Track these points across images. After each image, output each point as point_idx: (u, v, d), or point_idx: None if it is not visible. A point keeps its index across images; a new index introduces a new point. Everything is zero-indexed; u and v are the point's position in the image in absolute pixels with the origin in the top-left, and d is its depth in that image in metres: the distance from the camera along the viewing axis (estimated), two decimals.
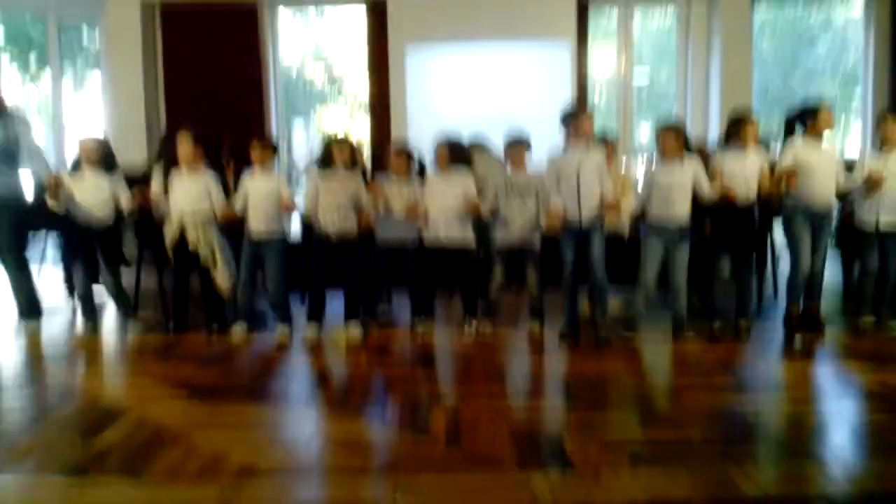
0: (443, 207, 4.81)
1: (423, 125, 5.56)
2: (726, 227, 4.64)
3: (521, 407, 3.57)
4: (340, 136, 5.01)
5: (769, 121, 8.75)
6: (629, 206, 5.01)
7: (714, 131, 7.45)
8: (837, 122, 9.14)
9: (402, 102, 7.67)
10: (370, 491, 2.63)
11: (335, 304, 4.94)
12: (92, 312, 5.03)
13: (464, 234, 4.85)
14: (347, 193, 4.78)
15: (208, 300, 4.96)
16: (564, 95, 7.29)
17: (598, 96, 9.05)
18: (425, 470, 2.78)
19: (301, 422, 3.40)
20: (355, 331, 4.82)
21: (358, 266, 4.88)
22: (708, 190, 4.50)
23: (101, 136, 5.00)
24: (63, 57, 8.40)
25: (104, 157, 4.87)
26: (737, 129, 4.61)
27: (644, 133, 8.87)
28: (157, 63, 7.95)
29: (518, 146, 4.76)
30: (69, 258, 5.07)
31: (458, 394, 3.75)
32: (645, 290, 4.60)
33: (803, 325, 4.75)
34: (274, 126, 8.17)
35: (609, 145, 5.17)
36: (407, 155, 5.04)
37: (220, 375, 4.08)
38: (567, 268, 4.63)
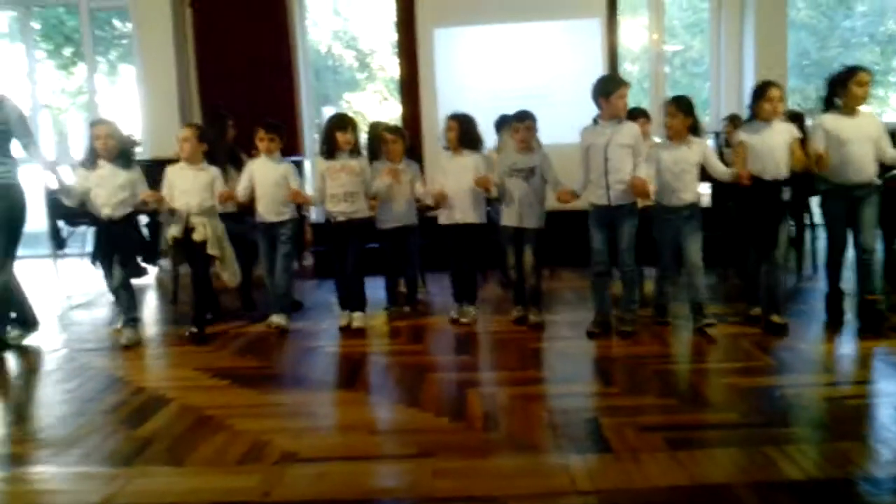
0: (456, 189, 4.70)
1: (454, 106, 5.55)
2: (752, 208, 4.32)
3: (557, 392, 3.57)
4: (391, 125, 5.01)
5: (805, 92, 8.56)
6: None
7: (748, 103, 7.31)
8: (876, 91, 8.91)
9: (432, 84, 7.63)
10: (408, 477, 2.65)
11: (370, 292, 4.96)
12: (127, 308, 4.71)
13: (477, 214, 4.75)
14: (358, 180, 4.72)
15: (202, 295, 4.78)
16: (595, 71, 7.19)
17: (630, 70, 8.90)
18: (463, 456, 2.80)
19: (340, 409, 3.44)
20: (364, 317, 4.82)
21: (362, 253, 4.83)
22: (722, 170, 4.27)
23: (113, 122, 4.59)
24: (96, 51, 8.50)
25: (120, 148, 4.52)
26: (757, 105, 4.28)
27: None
28: (188, 51, 8.01)
29: (518, 124, 4.53)
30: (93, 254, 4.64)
31: (494, 380, 3.76)
32: (663, 273, 4.52)
33: (864, 317, 4.33)
34: (304, 111, 8.19)
35: (644, 120, 4.97)
36: (402, 137, 4.96)
37: (260, 364, 4.13)
38: (595, 256, 4.37)
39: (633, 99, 9.15)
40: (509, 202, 4.60)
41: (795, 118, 4.84)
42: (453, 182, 4.71)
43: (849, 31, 9.60)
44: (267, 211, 4.73)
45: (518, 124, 4.52)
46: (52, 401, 3.67)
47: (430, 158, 7.01)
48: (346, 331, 4.71)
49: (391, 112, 8.29)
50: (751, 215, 4.36)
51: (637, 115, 5.32)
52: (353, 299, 4.83)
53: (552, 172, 4.53)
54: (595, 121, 4.33)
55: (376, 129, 5.51)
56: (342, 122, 4.70)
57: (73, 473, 2.78)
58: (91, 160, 4.47)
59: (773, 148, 4.21)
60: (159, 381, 3.87)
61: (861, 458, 2.66)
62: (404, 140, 4.96)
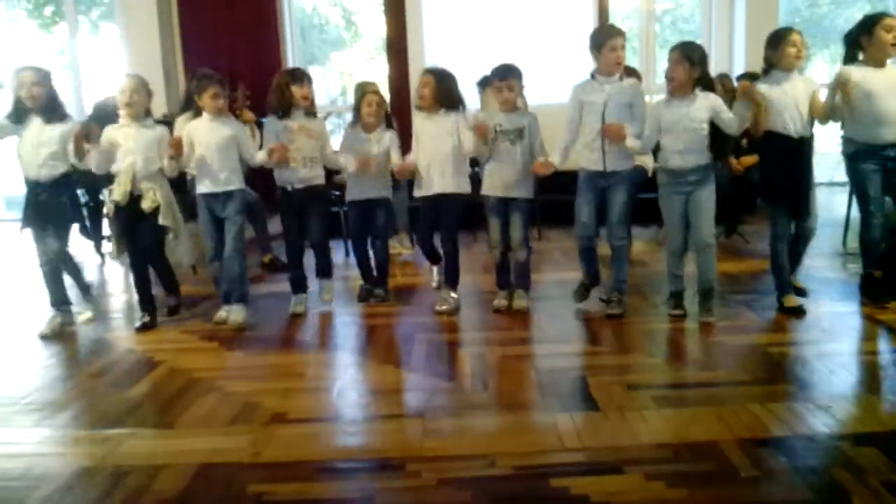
0: (434, 154, 4.13)
1: (442, 66, 5.48)
2: (775, 168, 3.86)
3: (545, 352, 3.59)
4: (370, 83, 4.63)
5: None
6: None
7: (739, 62, 7.27)
8: None
9: (420, 43, 7.54)
10: (398, 437, 2.67)
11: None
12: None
13: (460, 181, 4.18)
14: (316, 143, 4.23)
15: (165, 269, 4.42)
16: (586, 29, 7.12)
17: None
18: (452, 415, 2.82)
19: (330, 370, 3.45)
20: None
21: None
22: (733, 123, 3.70)
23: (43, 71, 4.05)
24: (77, 9, 8.33)
25: (49, 101, 4.00)
26: (778, 51, 3.78)
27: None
28: (171, 9, 7.86)
29: (502, 82, 4.00)
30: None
31: (482, 340, 3.77)
32: (672, 253, 3.94)
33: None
34: None
35: (635, 80, 4.37)
36: (380, 98, 4.40)
37: (248, 326, 4.12)
38: (581, 230, 4.02)
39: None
40: (494, 167, 4.10)
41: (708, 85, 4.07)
42: (429, 147, 4.14)
43: None
44: (208, 180, 4.06)
45: (499, 83, 4.02)
46: (39, 364, 3.66)
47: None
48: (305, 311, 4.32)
49: (379, 72, 8.17)
50: (777, 178, 3.86)
51: (628, 74, 5.20)
52: (322, 268, 4.44)
53: (539, 139, 4.09)
54: (592, 76, 3.92)
55: (364, 89, 5.39)
56: (298, 75, 4.18)
57: (63, 436, 2.79)
58: (18, 114, 3.98)
59: (796, 100, 3.77)
60: (148, 344, 3.87)
61: (843, 414, 2.70)
62: (385, 106, 4.45)
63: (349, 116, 4.61)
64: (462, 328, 4.03)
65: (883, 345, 3.49)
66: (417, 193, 4.27)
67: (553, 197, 4.89)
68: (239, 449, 2.58)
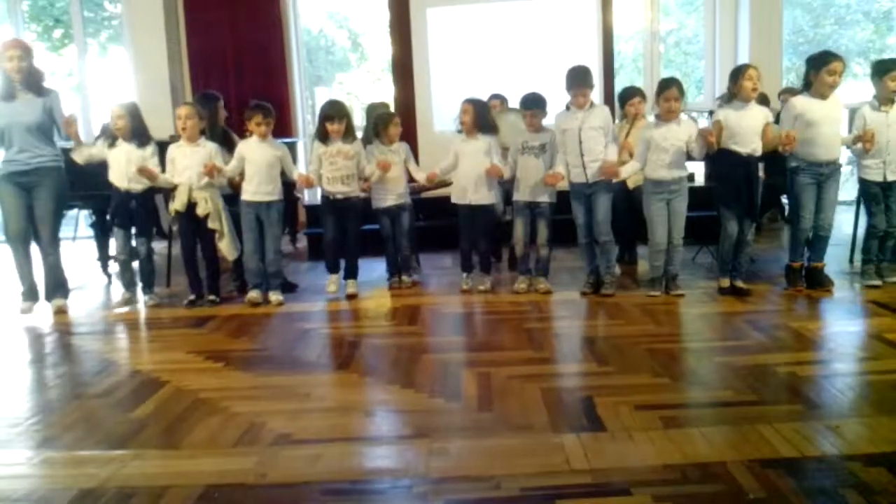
0: (470, 171, 4.96)
1: (447, 86, 5.53)
2: (731, 181, 4.56)
3: (551, 372, 3.57)
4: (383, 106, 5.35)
5: (800, 70, 8.53)
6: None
7: None
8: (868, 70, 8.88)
9: (426, 64, 7.60)
10: (404, 458, 2.65)
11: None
12: (131, 282, 5.21)
13: (489, 195, 5.03)
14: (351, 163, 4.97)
15: (213, 270, 5.08)
16: (590, 50, 7.16)
17: (624, 49, 8.86)
18: (458, 436, 2.80)
19: (335, 391, 3.44)
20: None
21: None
22: (695, 149, 4.49)
23: (129, 103, 5.05)
24: (86, 32, 8.42)
25: (135, 126, 4.89)
26: (737, 83, 4.51)
27: None
28: (179, 31, 7.94)
29: (534, 109, 4.79)
30: (109, 225, 5.12)
31: (488, 360, 3.76)
32: (655, 250, 4.69)
33: (809, 283, 4.75)
34: (297, 92, 8.15)
35: (639, 99, 5.41)
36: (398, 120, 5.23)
37: (254, 346, 4.12)
38: (581, 229, 4.82)
39: (628, 78, 9.15)
40: (522, 177, 4.85)
41: (763, 100, 5.07)
42: (467, 164, 4.96)
43: (843, 8, 9.56)
44: (257, 191, 4.83)
45: (526, 112, 4.81)
46: (43, 385, 3.66)
47: (423, 138, 6.99)
48: (338, 311, 4.76)
49: (384, 93, 8.23)
50: (730, 188, 4.58)
51: (633, 93, 5.40)
52: (349, 269, 5.14)
53: (558, 152, 4.79)
54: (567, 107, 4.74)
55: (374, 111, 5.53)
56: (330, 114, 4.91)
57: (67, 457, 2.77)
58: (110, 138, 4.91)
59: (750, 127, 4.50)
60: (153, 364, 3.87)
61: (851, 434, 2.68)
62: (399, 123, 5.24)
63: (358, 135, 5.25)
64: (468, 348, 4.02)
65: (891, 364, 3.46)
66: (454, 200, 5.10)
67: (563, 217, 4.97)
68: (244, 470, 2.57)
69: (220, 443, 2.82)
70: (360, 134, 5.36)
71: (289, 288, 5.30)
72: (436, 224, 6.15)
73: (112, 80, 8.73)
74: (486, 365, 3.64)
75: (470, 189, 4.98)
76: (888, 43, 8.91)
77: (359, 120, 6.57)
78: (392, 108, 5.36)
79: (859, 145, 4.60)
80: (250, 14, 7.76)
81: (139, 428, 3.00)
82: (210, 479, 2.51)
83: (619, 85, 7.18)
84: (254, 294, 4.96)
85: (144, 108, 5.01)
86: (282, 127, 7.02)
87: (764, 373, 3.35)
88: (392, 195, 5.15)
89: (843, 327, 4.09)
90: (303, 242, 7.06)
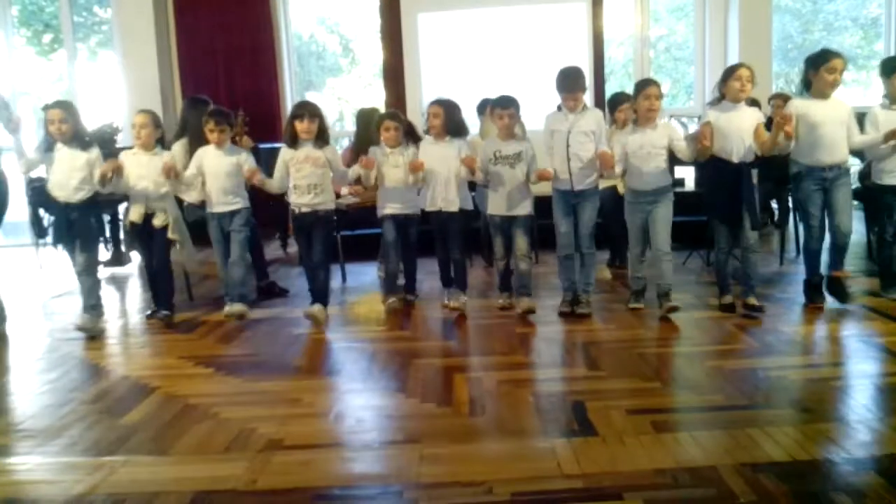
0: (437, 176, 4.60)
1: (438, 92, 5.54)
2: (720, 191, 4.34)
3: (542, 377, 3.57)
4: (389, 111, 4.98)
5: (789, 76, 8.59)
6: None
7: None
8: (858, 75, 8.96)
9: (417, 69, 7.61)
10: (395, 463, 2.64)
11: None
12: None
13: (459, 200, 4.63)
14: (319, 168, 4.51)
15: (167, 277, 4.73)
16: (581, 55, 7.18)
17: (615, 55, 8.90)
18: (449, 441, 2.80)
19: (326, 396, 3.43)
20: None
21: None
22: (683, 149, 4.29)
23: (67, 101, 4.56)
24: (76, 37, 8.40)
25: (77, 129, 4.40)
26: (726, 84, 4.28)
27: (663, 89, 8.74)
28: (169, 36, 7.93)
29: (501, 111, 4.45)
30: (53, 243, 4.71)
31: (479, 365, 3.76)
32: (634, 258, 4.52)
33: (830, 293, 4.51)
34: (288, 97, 8.14)
35: (629, 105, 5.00)
36: (397, 123, 4.73)
37: (244, 352, 4.11)
38: (562, 239, 4.50)
39: (618, 84, 9.18)
40: (496, 190, 4.53)
41: (752, 104, 4.75)
42: (436, 169, 4.60)
43: (832, 14, 9.63)
44: (218, 201, 4.65)
45: (501, 111, 4.45)
46: (33, 391, 3.63)
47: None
48: (329, 316, 4.66)
49: (375, 98, 8.24)
50: (719, 198, 4.37)
51: (623, 99, 5.35)
52: (317, 292, 4.59)
53: (535, 163, 4.49)
54: (559, 108, 4.44)
55: (366, 117, 5.50)
56: (299, 112, 4.46)
57: (56, 463, 2.75)
58: (48, 144, 4.38)
59: (740, 129, 4.23)
60: (143, 370, 3.84)
61: (842, 438, 2.68)
62: (401, 125, 4.74)
63: (345, 142, 4.84)
64: (459, 353, 4.02)
65: (884, 368, 3.48)
66: (426, 207, 4.71)
67: (550, 221, 4.91)
68: (235, 476, 2.56)
69: (210, 449, 2.81)
70: (349, 140, 5.12)
71: (280, 293, 5.30)
72: (428, 228, 6.12)
73: (102, 84, 8.70)
74: (476, 370, 3.64)
75: (439, 196, 4.61)
76: (876, 49, 8.98)
77: (349, 125, 6.56)
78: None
79: (887, 144, 4.31)
80: (241, 19, 7.76)
81: (129, 434, 2.98)
82: (200, 485, 2.50)
83: (609, 90, 7.22)
84: (226, 308, 4.63)
85: (134, 113, 4.74)
86: (272, 133, 7.02)
87: (755, 377, 3.36)
88: (397, 202, 4.71)
89: (835, 332, 4.11)
90: (294, 247, 7.03)
